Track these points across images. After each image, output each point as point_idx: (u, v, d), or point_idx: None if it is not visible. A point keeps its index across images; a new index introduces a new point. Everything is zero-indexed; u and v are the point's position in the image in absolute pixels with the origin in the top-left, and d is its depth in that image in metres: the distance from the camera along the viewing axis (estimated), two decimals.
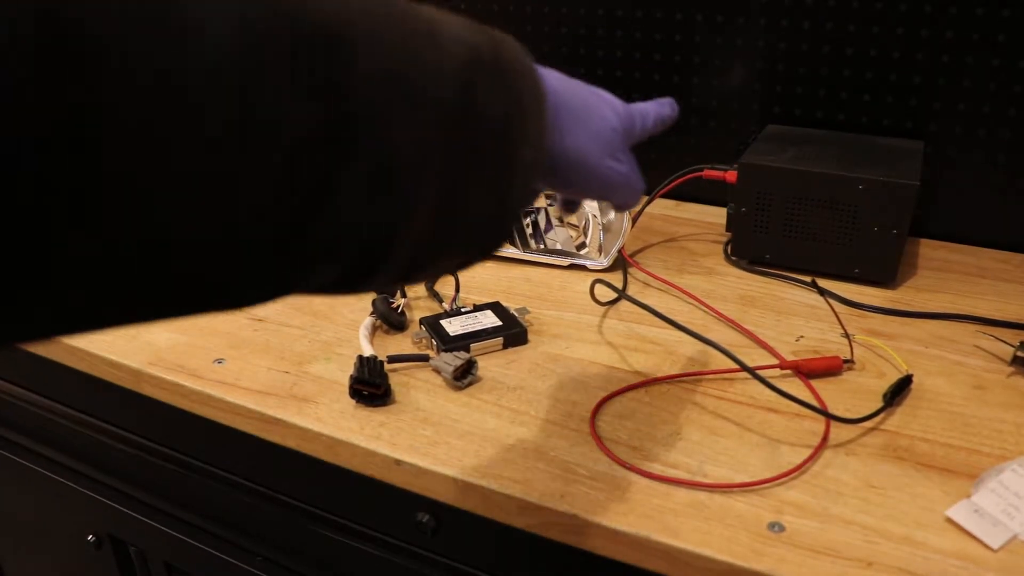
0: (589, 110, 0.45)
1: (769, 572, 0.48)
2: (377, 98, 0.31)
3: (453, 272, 0.53)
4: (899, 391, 0.63)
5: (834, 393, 0.64)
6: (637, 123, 0.50)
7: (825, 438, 0.59)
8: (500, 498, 0.56)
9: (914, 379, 0.65)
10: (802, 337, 0.72)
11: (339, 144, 0.30)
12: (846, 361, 0.67)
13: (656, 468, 0.56)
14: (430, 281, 0.76)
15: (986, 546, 0.49)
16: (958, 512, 0.51)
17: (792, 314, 0.76)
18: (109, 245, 0.26)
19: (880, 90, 0.91)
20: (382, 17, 0.32)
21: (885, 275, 0.81)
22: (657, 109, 0.53)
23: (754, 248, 0.85)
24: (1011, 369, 0.67)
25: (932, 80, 0.88)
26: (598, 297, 0.79)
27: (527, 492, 0.55)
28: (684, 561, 0.50)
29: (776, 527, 0.51)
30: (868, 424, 0.61)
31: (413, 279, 0.40)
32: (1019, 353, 0.67)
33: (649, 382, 0.66)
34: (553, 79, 0.44)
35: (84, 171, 0.24)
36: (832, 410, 0.61)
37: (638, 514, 0.53)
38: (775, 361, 0.68)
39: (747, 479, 0.55)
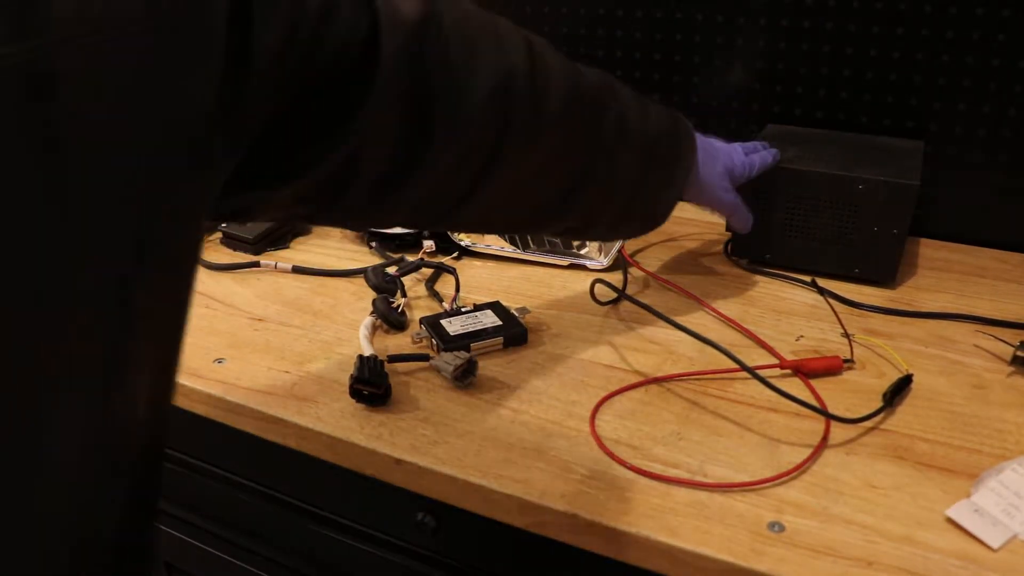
0: (717, 157, 0.74)
1: (769, 572, 0.48)
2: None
3: (612, 239, 0.87)
4: (899, 391, 0.63)
5: (834, 393, 0.64)
6: (743, 171, 0.76)
7: (825, 438, 0.59)
8: (500, 498, 0.56)
9: (914, 379, 0.65)
10: (802, 337, 0.72)
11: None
12: (846, 361, 0.67)
13: (656, 468, 0.57)
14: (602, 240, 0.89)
15: (986, 546, 0.49)
16: (958, 512, 0.51)
17: (792, 314, 0.76)
18: None
19: (880, 90, 0.91)
20: (624, 95, 0.65)
21: (885, 275, 0.81)
22: (763, 159, 0.78)
23: (754, 248, 0.85)
24: (1011, 369, 0.67)
25: (932, 80, 0.88)
26: (598, 297, 0.79)
27: (527, 492, 0.55)
28: (684, 561, 0.51)
29: (776, 527, 0.51)
30: (868, 424, 0.61)
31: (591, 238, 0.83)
32: (1019, 353, 0.67)
33: (649, 382, 0.66)
34: (699, 137, 0.72)
35: None
36: (832, 410, 0.62)
37: (638, 514, 0.53)
38: (775, 361, 0.68)
39: (747, 479, 0.55)
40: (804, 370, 0.66)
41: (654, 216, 0.71)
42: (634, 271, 0.85)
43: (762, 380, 0.61)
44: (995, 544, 0.49)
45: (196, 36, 0.34)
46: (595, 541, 0.53)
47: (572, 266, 0.87)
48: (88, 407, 0.33)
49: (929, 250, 0.90)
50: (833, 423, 0.60)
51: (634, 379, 0.67)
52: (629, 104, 0.64)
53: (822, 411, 0.61)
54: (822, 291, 0.79)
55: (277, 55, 0.41)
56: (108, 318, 0.32)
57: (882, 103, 0.91)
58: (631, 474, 0.56)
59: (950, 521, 0.51)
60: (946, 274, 0.84)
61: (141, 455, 0.37)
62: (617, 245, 0.86)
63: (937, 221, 0.92)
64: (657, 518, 0.52)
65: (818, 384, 0.65)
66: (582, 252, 0.88)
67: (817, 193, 0.79)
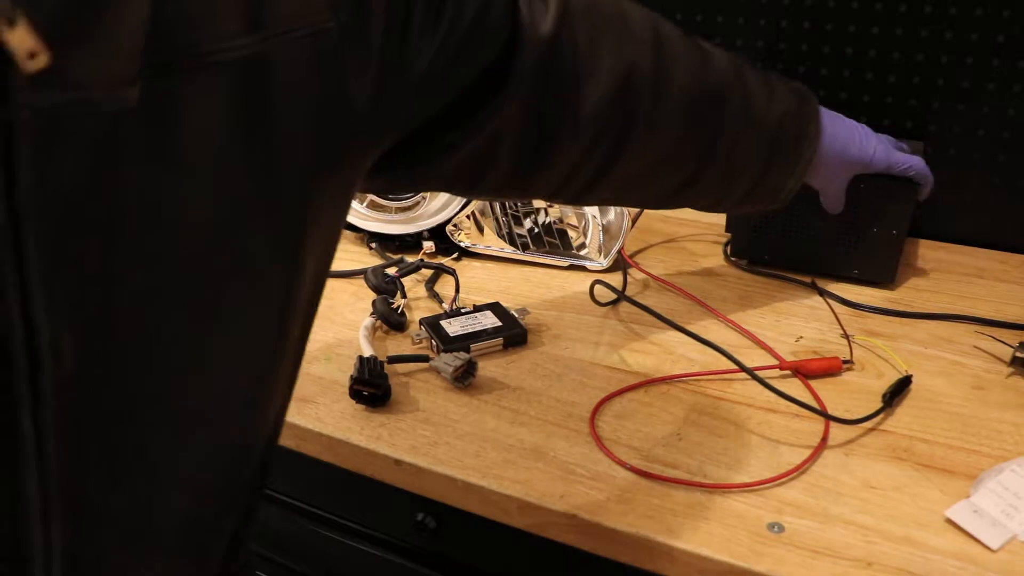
0: (849, 143, 0.72)
1: (769, 572, 0.48)
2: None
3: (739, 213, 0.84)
4: (898, 391, 0.63)
5: (834, 394, 0.64)
6: (882, 164, 0.73)
7: (825, 439, 0.59)
8: (500, 498, 0.56)
9: (914, 379, 0.65)
10: (801, 338, 0.72)
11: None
12: (845, 362, 0.67)
13: (656, 468, 0.57)
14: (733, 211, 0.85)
15: (985, 546, 0.49)
16: (957, 512, 0.51)
17: (792, 314, 0.77)
18: None
19: (880, 91, 0.91)
20: (751, 79, 0.65)
21: (885, 275, 0.81)
22: (916, 164, 0.75)
23: (753, 248, 0.85)
24: (1010, 370, 0.67)
25: (931, 81, 0.88)
26: (598, 298, 0.79)
27: (527, 492, 0.55)
28: (684, 561, 0.51)
29: (776, 527, 0.51)
30: (867, 424, 0.61)
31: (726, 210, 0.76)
32: (1018, 354, 0.67)
33: (649, 382, 0.66)
34: (834, 120, 0.72)
35: None
36: (832, 411, 0.62)
37: (638, 514, 0.53)
38: (775, 362, 0.68)
39: (747, 480, 0.55)
40: (803, 371, 0.67)
41: (777, 197, 0.70)
42: (634, 272, 0.86)
43: (761, 381, 0.61)
44: (994, 545, 0.49)
45: (360, 40, 0.37)
46: (595, 542, 0.53)
47: (572, 267, 0.87)
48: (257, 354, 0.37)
49: (928, 251, 0.90)
50: (832, 424, 0.60)
51: (634, 380, 0.67)
52: (754, 89, 0.64)
53: (821, 412, 0.61)
54: (822, 292, 0.79)
55: (429, 67, 0.44)
56: (286, 275, 0.37)
57: (881, 104, 0.91)
58: (631, 475, 0.56)
59: (949, 522, 0.51)
60: (945, 275, 0.84)
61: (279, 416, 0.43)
62: (616, 246, 0.86)
63: (937, 221, 0.92)
64: (657, 519, 0.52)
65: (817, 385, 0.65)
66: (582, 253, 0.88)
67: (817, 194, 0.79)
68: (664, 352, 0.71)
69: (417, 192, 0.57)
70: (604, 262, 0.86)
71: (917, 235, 0.93)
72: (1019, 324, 0.73)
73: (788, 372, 0.67)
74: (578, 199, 0.65)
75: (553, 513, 0.54)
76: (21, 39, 0.22)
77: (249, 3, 0.31)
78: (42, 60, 0.23)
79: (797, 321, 0.75)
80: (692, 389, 0.66)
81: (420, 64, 0.43)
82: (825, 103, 0.94)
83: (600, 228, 0.88)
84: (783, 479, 0.55)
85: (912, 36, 0.87)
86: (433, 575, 0.68)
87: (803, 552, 0.49)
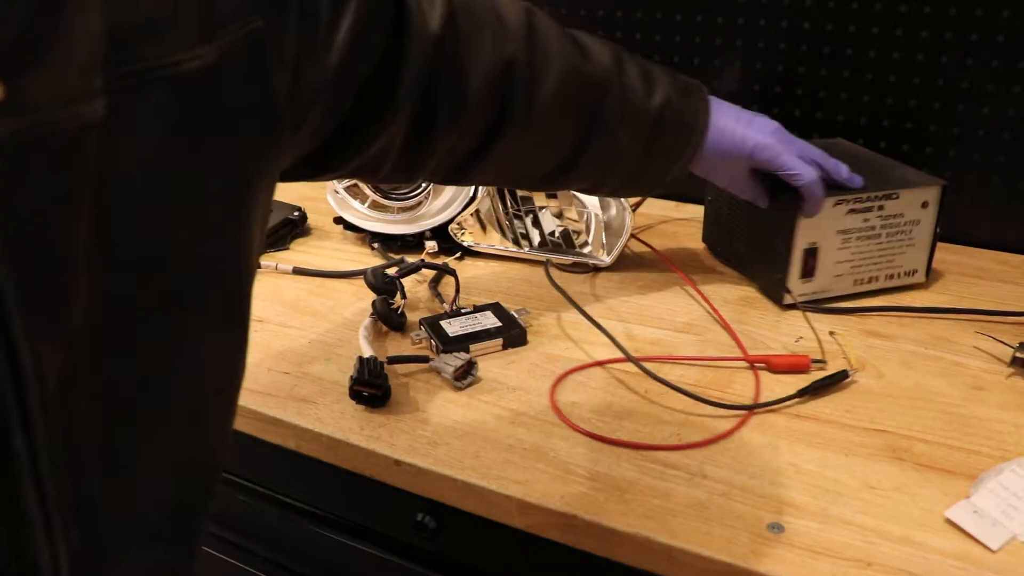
0: (745, 138, 0.71)
1: (768, 573, 0.48)
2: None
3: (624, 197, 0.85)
4: (830, 383, 0.64)
5: (833, 394, 0.64)
6: (770, 156, 0.71)
7: (743, 423, 0.61)
8: (500, 498, 0.56)
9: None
10: (801, 338, 0.72)
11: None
12: (815, 361, 0.67)
13: (656, 469, 0.57)
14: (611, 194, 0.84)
15: (985, 547, 0.49)
16: (957, 513, 0.51)
17: (793, 315, 0.76)
18: None
19: (879, 92, 0.91)
20: (631, 72, 0.67)
21: (774, 292, 0.79)
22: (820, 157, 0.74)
23: (722, 247, 0.85)
24: (1010, 370, 0.67)
25: (931, 81, 0.88)
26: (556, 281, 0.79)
27: (527, 493, 0.55)
28: (683, 562, 0.51)
29: (775, 528, 0.51)
30: (867, 425, 0.61)
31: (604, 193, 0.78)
32: (1018, 354, 0.67)
33: (599, 363, 0.66)
34: (716, 113, 0.71)
35: None
36: (830, 413, 0.62)
37: (638, 514, 0.53)
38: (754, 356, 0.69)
39: (665, 443, 0.55)
40: (770, 366, 0.68)
41: (660, 184, 0.73)
42: (635, 270, 0.86)
43: (644, 369, 0.65)
44: (994, 545, 0.49)
45: (280, 35, 0.39)
46: (594, 542, 0.53)
47: (575, 264, 0.87)
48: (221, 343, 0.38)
49: None
50: (837, 428, 0.60)
51: (634, 379, 0.67)
52: (634, 82, 0.67)
53: (691, 395, 0.61)
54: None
55: (338, 57, 0.47)
56: (234, 264, 0.38)
57: (881, 104, 0.92)
58: (631, 475, 0.56)
59: (949, 522, 0.51)
60: (945, 275, 0.84)
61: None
62: (622, 243, 0.86)
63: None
64: (657, 519, 0.52)
65: (823, 391, 0.65)
66: (585, 251, 0.88)
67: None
68: (664, 353, 0.71)
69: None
70: (607, 259, 0.87)
71: None
72: (1019, 324, 0.73)
73: (749, 365, 0.68)
74: (451, 179, 0.69)
75: (553, 513, 0.54)
76: None
77: (202, 11, 0.32)
78: None
79: (798, 322, 0.75)
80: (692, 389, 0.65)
81: (331, 54, 0.46)
82: (825, 104, 0.95)
83: (603, 225, 0.88)
84: (694, 447, 0.58)
85: (912, 37, 0.87)
86: (433, 575, 0.67)
87: (803, 552, 0.49)
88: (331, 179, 0.59)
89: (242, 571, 0.79)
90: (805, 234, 0.75)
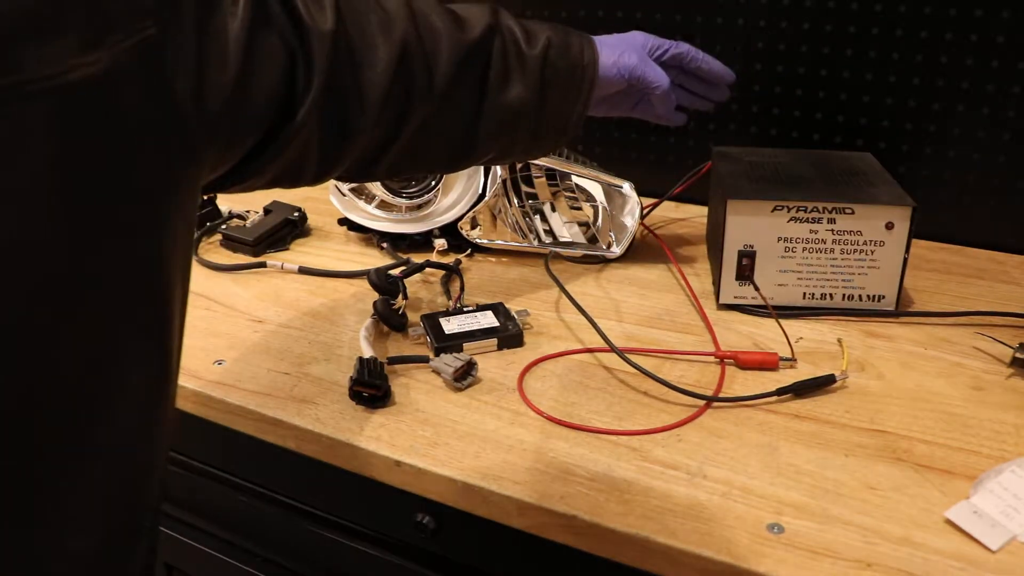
0: (623, 53, 0.72)
1: (768, 573, 0.48)
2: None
3: (534, 158, 0.84)
4: (815, 386, 0.65)
5: (833, 394, 0.65)
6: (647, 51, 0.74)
7: (700, 413, 0.63)
8: (500, 499, 0.56)
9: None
10: (801, 339, 0.72)
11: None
12: (784, 359, 0.68)
13: (656, 469, 0.57)
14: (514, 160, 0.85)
15: (985, 547, 0.49)
16: (957, 513, 0.51)
17: (793, 317, 0.76)
18: None
19: (880, 91, 0.91)
20: (509, 26, 0.68)
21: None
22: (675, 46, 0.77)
23: None
24: (1010, 370, 0.67)
25: (931, 81, 0.88)
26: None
27: (527, 493, 0.55)
28: (683, 562, 0.51)
29: (775, 528, 0.51)
30: (867, 425, 0.61)
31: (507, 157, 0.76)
32: (1018, 355, 0.67)
33: (586, 351, 0.66)
34: (601, 43, 0.72)
35: None
36: (829, 415, 0.62)
37: (637, 515, 0.53)
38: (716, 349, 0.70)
39: (629, 427, 0.55)
40: (738, 361, 0.68)
41: (564, 130, 0.72)
42: (647, 253, 0.86)
43: (620, 354, 0.66)
44: (994, 546, 0.49)
45: (177, 39, 0.37)
46: (594, 542, 0.53)
47: (586, 257, 0.88)
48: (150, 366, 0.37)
49: (928, 252, 0.90)
50: (839, 429, 0.60)
51: (633, 379, 0.67)
52: (514, 37, 0.68)
53: (667, 383, 0.61)
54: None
55: (236, 62, 0.46)
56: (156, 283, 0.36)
57: (881, 104, 0.92)
58: (631, 475, 0.56)
59: (949, 523, 0.51)
60: (945, 276, 0.84)
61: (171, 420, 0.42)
62: (630, 234, 0.87)
63: (936, 223, 0.92)
64: (656, 519, 0.52)
65: (819, 392, 0.65)
66: (595, 244, 0.88)
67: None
68: (664, 351, 0.71)
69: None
70: (617, 250, 0.87)
71: (916, 236, 0.93)
72: (1019, 325, 0.73)
73: (719, 359, 0.69)
74: (362, 175, 0.68)
75: (553, 514, 0.54)
76: None
77: (86, 16, 0.29)
78: None
79: (797, 322, 0.75)
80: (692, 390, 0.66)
81: (230, 59, 0.45)
82: (825, 103, 0.95)
83: (610, 217, 0.88)
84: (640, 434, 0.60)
85: (912, 37, 0.87)
86: (433, 575, 0.67)
87: (803, 553, 0.49)
88: (250, 191, 0.59)
89: (242, 571, 0.79)
90: (738, 233, 0.74)
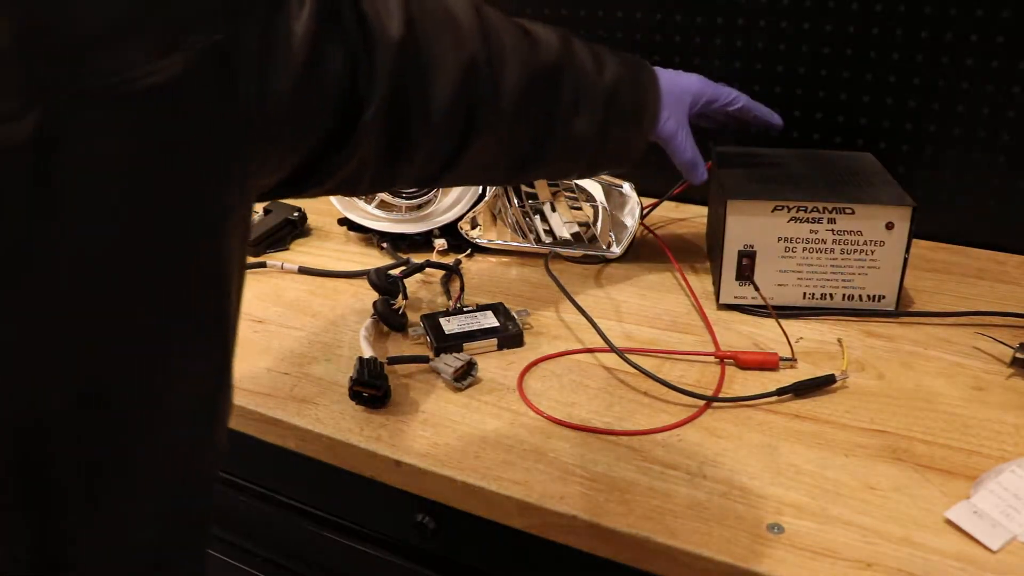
0: (684, 100, 0.76)
1: (768, 573, 0.48)
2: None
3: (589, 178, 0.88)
4: (814, 387, 0.65)
5: (833, 396, 0.65)
6: (707, 101, 0.78)
7: (699, 413, 0.63)
8: (500, 499, 0.56)
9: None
10: (801, 339, 0.72)
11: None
12: (784, 359, 0.68)
13: (655, 469, 0.57)
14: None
15: (985, 547, 0.49)
16: (957, 513, 0.51)
17: (793, 318, 0.76)
18: None
19: (880, 92, 0.91)
20: (580, 54, 0.68)
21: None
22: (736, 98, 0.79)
23: None
24: (1010, 370, 0.67)
25: (931, 82, 0.88)
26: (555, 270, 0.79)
27: (527, 493, 0.55)
28: (683, 562, 0.51)
29: (775, 528, 0.51)
30: (867, 425, 0.61)
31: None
32: (1018, 355, 0.67)
33: (585, 351, 0.66)
34: (668, 78, 0.75)
35: None
36: (829, 415, 0.62)
37: (637, 515, 0.53)
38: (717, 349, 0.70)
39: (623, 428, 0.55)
40: (738, 362, 0.68)
41: (623, 162, 0.75)
42: (647, 252, 0.86)
43: (620, 354, 0.67)
44: (994, 546, 0.49)
45: (243, 41, 0.37)
46: (594, 542, 0.53)
47: (585, 257, 0.88)
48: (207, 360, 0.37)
49: (928, 251, 0.90)
50: (841, 429, 0.60)
51: (633, 379, 0.67)
52: (584, 65, 0.68)
53: (666, 383, 0.61)
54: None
55: (304, 68, 0.45)
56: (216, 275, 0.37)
57: (882, 105, 0.92)
58: (631, 475, 0.56)
59: (949, 523, 0.51)
60: (945, 276, 0.84)
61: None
62: (630, 234, 0.87)
63: (936, 223, 0.92)
64: (656, 519, 0.52)
65: (818, 391, 0.65)
66: (595, 244, 0.88)
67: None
68: (664, 352, 0.71)
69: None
70: (617, 250, 0.87)
71: (916, 236, 0.93)
72: (1019, 325, 0.73)
73: (719, 359, 0.69)
74: (425, 185, 0.72)
75: (553, 514, 0.54)
76: None
77: (161, 22, 0.30)
78: None
79: (798, 323, 0.75)
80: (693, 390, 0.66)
81: (292, 65, 0.45)
82: (825, 104, 0.95)
83: (611, 217, 0.88)
84: (647, 434, 0.60)
85: (912, 37, 0.87)
86: (433, 575, 0.68)
87: (803, 553, 0.49)
88: (309, 197, 0.59)
89: (242, 571, 0.79)
90: (738, 233, 0.74)
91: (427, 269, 0.85)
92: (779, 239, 0.74)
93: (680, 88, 0.75)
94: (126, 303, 0.32)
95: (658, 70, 0.75)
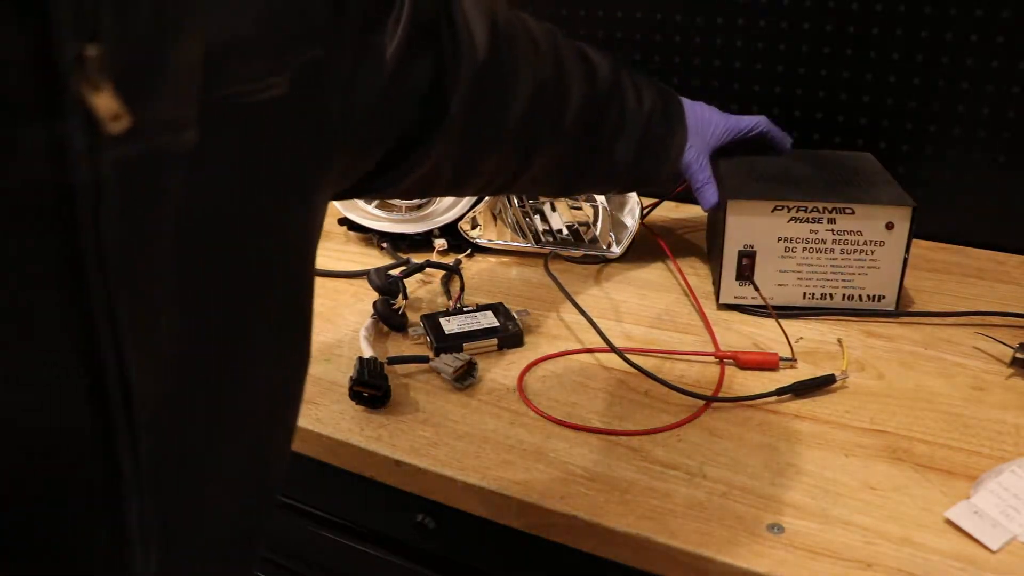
0: (706, 132, 0.79)
1: (769, 573, 0.48)
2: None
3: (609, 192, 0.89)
4: (814, 386, 0.65)
5: (832, 397, 0.65)
6: (728, 134, 0.81)
7: (699, 413, 0.63)
8: (500, 499, 0.56)
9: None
10: (801, 339, 0.72)
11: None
12: (784, 359, 0.68)
13: (656, 469, 0.57)
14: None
15: (985, 547, 0.49)
16: (957, 513, 0.51)
17: (794, 318, 0.76)
18: None
19: (880, 92, 0.91)
20: (626, 83, 0.72)
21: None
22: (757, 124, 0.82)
23: None
24: (1010, 370, 0.67)
25: (932, 82, 0.88)
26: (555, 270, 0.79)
27: (527, 493, 0.55)
28: (683, 562, 0.51)
29: (775, 528, 0.51)
30: (867, 425, 0.61)
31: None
32: (1018, 355, 0.67)
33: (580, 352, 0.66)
34: (691, 109, 0.79)
35: None
36: (829, 415, 0.62)
37: (637, 515, 0.53)
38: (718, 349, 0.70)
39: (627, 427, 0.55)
40: (738, 362, 0.68)
41: (650, 184, 0.80)
42: (647, 252, 0.86)
43: (620, 354, 0.68)
44: (994, 546, 0.49)
45: (337, 58, 0.38)
46: (594, 542, 0.53)
47: (585, 257, 0.88)
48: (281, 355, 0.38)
49: (928, 251, 0.90)
50: (839, 428, 0.60)
51: (633, 379, 0.67)
52: (627, 92, 0.71)
53: (668, 384, 0.61)
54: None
55: (391, 65, 0.46)
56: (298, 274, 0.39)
57: (882, 105, 0.92)
58: (631, 475, 0.56)
59: (949, 523, 0.51)
60: (945, 276, 0.84)
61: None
62: (630, 234, 0.87)
63: (936, 222, 0.92)
64: (656, 519, 0.52)
65: (816, 391, 0.65)
66: (596, 244, 0.88)
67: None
68: (663, 352, 0.71)
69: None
70: (617, 250, 0.87)
71: (916, 236, 0.93)
72: (1019, 325, 0.73)
73: (719, 360, 0.69)
74: (493, 194, 0.77)
75: (553, 514, 0.54)
76: (106, 104, 0.23)
77: (276, 39, 0.31)
78: (124, 122, 0.23)
79: (798, 323, 0.75)
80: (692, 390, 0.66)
81: (381, 74, 0.45)
82: (825, 104, 0.95)
83: (611, 217, 0.88)
84: (645, 434, 0.60)
85: (912, 37, 0.87)
86: (433, 575, 0.68)
87: (803, 553, 0.49)
88: (384, 199, 0.60)
89: None
90: (738, 233, 0.74)
91: (427, 269, 0.85)
92: (779, 239, 0.74)
93: (703, 121, 0.79)
94: (238, 294, 0.33)
95: (684, 101, 0.79)
